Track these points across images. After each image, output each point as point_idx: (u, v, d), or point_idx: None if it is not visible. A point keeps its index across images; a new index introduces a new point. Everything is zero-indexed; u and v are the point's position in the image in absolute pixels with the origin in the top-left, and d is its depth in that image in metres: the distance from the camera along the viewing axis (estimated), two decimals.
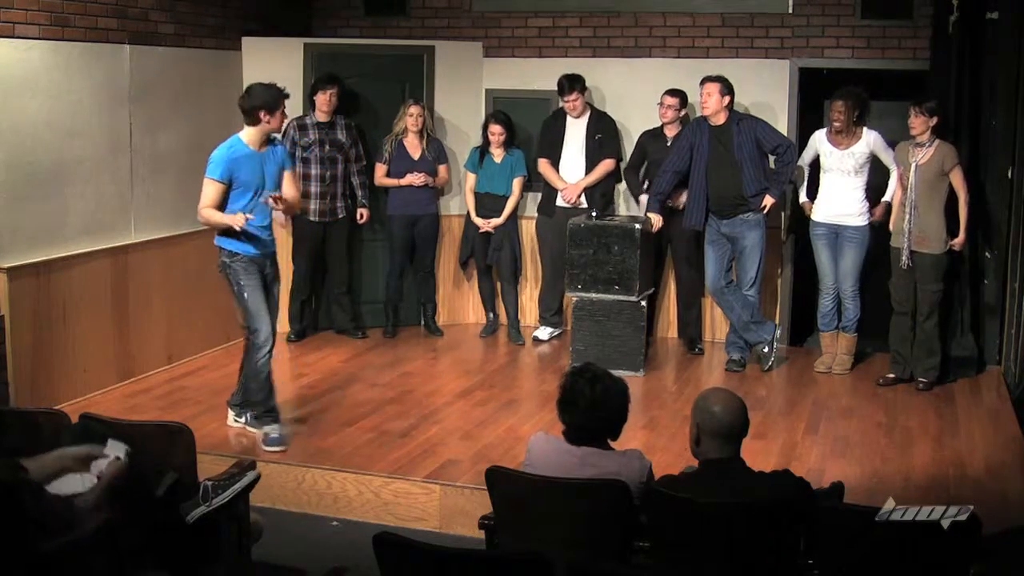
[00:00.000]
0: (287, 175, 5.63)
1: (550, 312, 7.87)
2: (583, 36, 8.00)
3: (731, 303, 7.01)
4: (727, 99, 6.76)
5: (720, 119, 6.80)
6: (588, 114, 7.61)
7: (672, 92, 7.33)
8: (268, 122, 5.37)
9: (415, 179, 7.63)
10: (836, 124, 6.73)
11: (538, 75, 7.94)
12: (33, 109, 5.89)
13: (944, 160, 6.41)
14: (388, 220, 7.81)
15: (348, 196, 7.69)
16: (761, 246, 6.91)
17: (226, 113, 7.50)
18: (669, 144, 7.27)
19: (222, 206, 5.35)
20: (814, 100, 7.67)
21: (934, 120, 6.42)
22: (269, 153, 5.50)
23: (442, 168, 7.80)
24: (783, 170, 6.85)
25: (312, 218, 7.55)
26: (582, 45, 7.99)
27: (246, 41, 7.72)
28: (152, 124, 6.67)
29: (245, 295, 5.49)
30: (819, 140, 6.93)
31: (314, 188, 7.49)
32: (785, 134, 7.45)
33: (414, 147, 7.71)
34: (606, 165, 7.55)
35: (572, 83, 7.48)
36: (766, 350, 7.05)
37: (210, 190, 5.33)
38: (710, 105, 6.78)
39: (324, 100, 7.40)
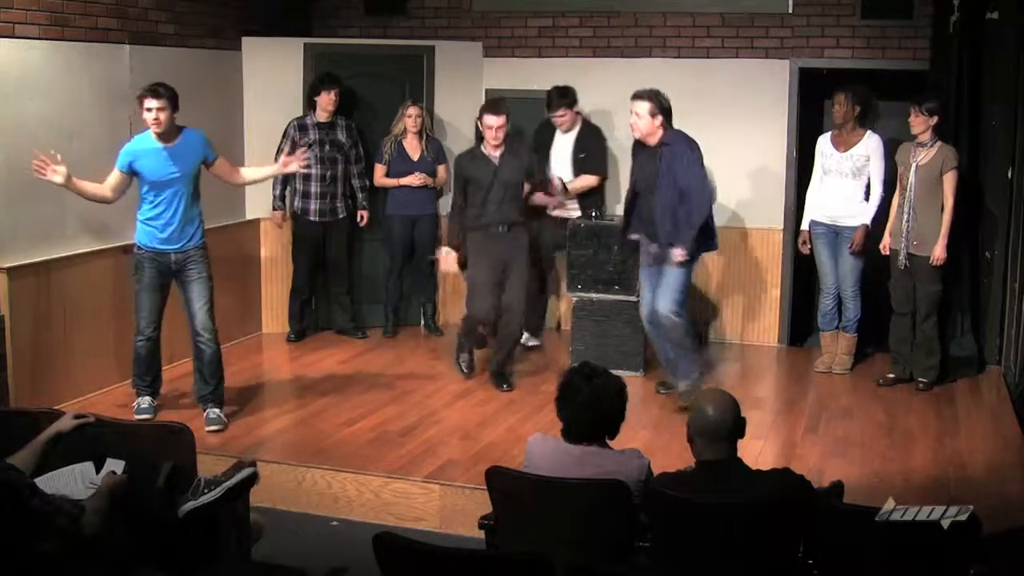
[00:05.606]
0: (218, 163, 5.87)
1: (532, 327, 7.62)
2: (583, 36, 8.00)
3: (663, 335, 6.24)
4: (659, 119, 5.94)
5: (652, 140, 6.01)
6: (578, 128, 7.40)
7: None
8: (143, 116, 5.62)
9: (413, 179, 7.63)
10: (836, 118, 6.75)
11: (538, 75, 7.95)
12: (33, 109, 5.89)
13: (944, 162, 6.41)
14: (387, 220, 7.82)
15: (348, 196, 7.70)
16: (684, 273, 6.10)
17: (226, 113, 7.53)
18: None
19: (122, 193, 5.70)
20: (814, 100, 7.67)
21: (934, 120, 6.41)
22: (180, 145, 5.69)
23: (441, 168, 7.80)
24: (688, 219, 5.93)
25: (312, 218, 7.57)
26: (582, 45, 7.99)
27: (246, 41, 7.72)
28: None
29: (136, 290, 5.84)
30: (822, 143, 6.93)
31: (314, 188, 7.50)
32: (785, 138, 7.45)
33: (413, 148, 7.71)
34: (583, 180, 7.25)
35: (561, 97, 7.21)
36: (682, 387, 6.15)
37: (111, 175, 5.67)
38: (640, 128, 5.99)
39: (328, 100, 7.40)
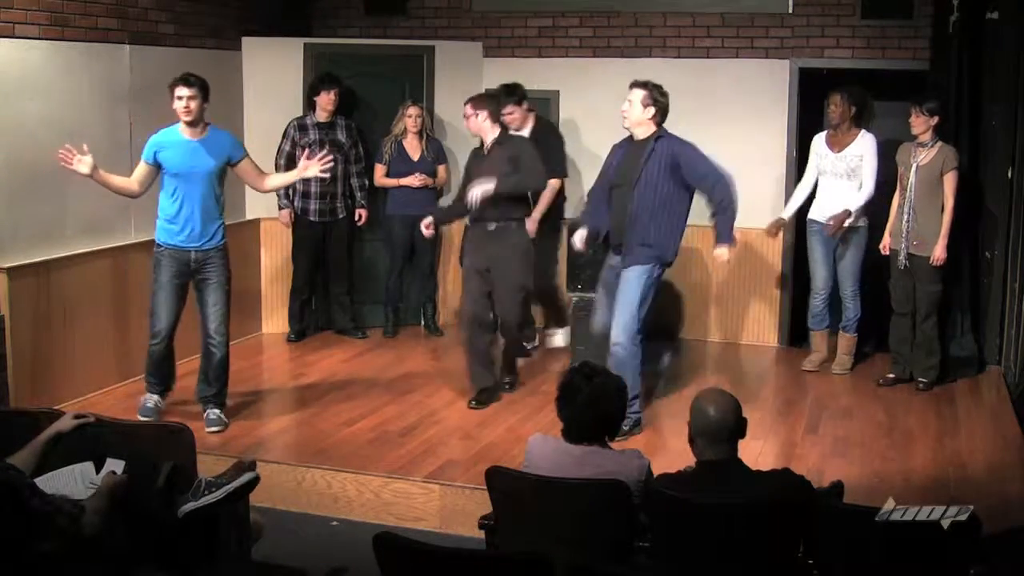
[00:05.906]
0: (244, 164, 5.78)
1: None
2: (583, 36, 8.00)
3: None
4: (651, 111, 5.59)
5: (641, 134, 5.65)
6: (530, 126, 7.17)
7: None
8: (173, 106, 5.59)
9: (413, 180, 7.62)
10: (832, 118, 6.75)
11: (538, 75, 7.95)
12: (33, 109, 5.89)
13: (945, 162, 6.41)
14: (387, 220, 7.81)
15: (348, 196, 7.70)
16: (642, 284, 5.60)
17: (226, 113, 7.52)
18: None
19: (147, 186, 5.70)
20: (814, 100, 7.67)
21: (935, 120, 6.41)
22: (207, 140, 5.64)
23: (441, 168, 7.80)
24: (722, 206, 5.59)
25: (312, 218, 7.57)
26: (582, 45, 7.99)
27: (246, 41, 7.72)
28: (152, 124, 6.64)
29: (152, 288, 5.76)
30: (817, 143, 6.93)
31: (314, 188, 7.50)
32: (785, 138, 7.44)
33: (413, 148, 7.71)
34: (545, 198, 6.99)
35: (508, 94, 6.95)
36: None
37: (137, 168, 5.71)
38: (629, 116, 5.64)
39: (328, 100, 7.41)
